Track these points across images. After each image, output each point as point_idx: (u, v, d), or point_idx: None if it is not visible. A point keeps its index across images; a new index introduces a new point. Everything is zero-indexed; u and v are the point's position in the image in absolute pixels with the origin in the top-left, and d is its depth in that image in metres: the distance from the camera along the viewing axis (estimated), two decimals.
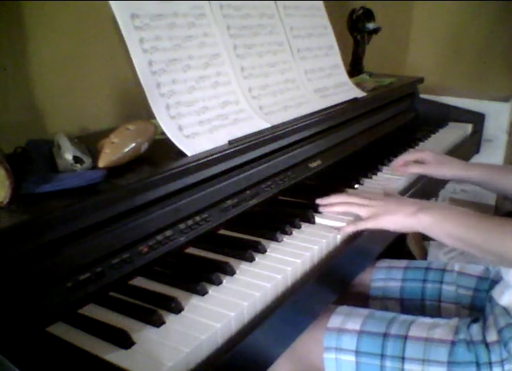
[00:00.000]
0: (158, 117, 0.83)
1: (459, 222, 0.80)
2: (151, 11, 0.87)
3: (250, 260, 0.77)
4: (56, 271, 0.63)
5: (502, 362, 0.75)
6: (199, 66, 0.93)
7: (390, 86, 1.54)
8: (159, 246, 0.75)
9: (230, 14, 1.04)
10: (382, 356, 0.80)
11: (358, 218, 0.89)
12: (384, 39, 1.84)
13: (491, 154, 1.90)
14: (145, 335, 0.60)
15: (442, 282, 1.02)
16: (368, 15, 1.65)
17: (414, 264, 1.08)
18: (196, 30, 0.95)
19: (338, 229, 0.87)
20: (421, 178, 1.19)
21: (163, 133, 0.84)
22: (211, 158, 0.84)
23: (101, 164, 0.75)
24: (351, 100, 1.31)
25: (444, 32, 2.36)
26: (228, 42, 1.02)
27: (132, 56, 0.82)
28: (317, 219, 0.91)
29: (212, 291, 0.69)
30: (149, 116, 0.84)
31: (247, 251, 0.77)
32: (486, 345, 0.78)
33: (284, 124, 1.04)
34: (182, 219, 0.80)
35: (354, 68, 1.70)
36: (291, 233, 0.86)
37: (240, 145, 0.90)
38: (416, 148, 1.40)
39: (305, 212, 0.92)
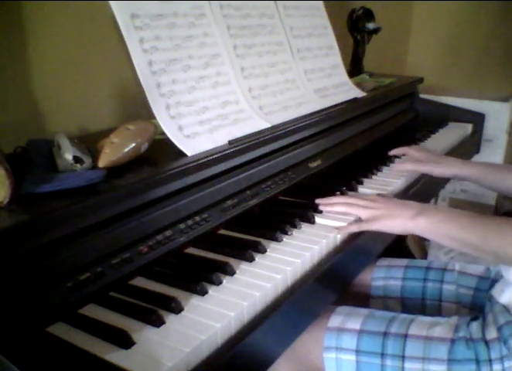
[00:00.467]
0: (158, 117, 0.83)
1: (454, 223, 0.81)
2: (151, 11, 0.87)
3: (250, 260, 0.77)
4: (56, 271, 0.63)
5: (502, 359, 0.75)
6: (199, 66, 0.93)
7: (390, 86, 1.54)
8: (159, 246, 0.75)
9: (230, 14, 1.04)
10: (382, 355, 0.80)
11: (359, 219, 0.90)
12: (384, 39, 1.84)
13: (491, 154, 1.90)
14: (145, 335, 0.60)
15: (442, 281, 1.02)
16: (368, 15, 1.65)
17: (414, 263, 1.08)
18: (196, 30, 0.95)
19: (340, 228, 0.88)
20: (420, 178, 1.19)
21: (163, 133, 0.84)
22: (211, 158, 0.84)
23: (101, 164, 0.75)
24: (351, 100, 1.31)
25: (444, 32, 2.36)
26: (228, 42, 1.02)
27: (132, 56, 0.82)
28: (317, 219, 0.91)
29: (212, 291, 0.69)
30: (149, 116, 0.84)
31: (247, 251, 0.77)
32: (486, 342, 0.78)
33: (284, 124, 1.04)
34: (182, 219, 0.80)
35: (354, 68, 1.70)
36: (291, 233, 0.86)
37: (240, 145, 0.90)
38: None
39: (305, 212, 0.92)
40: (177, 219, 0.79)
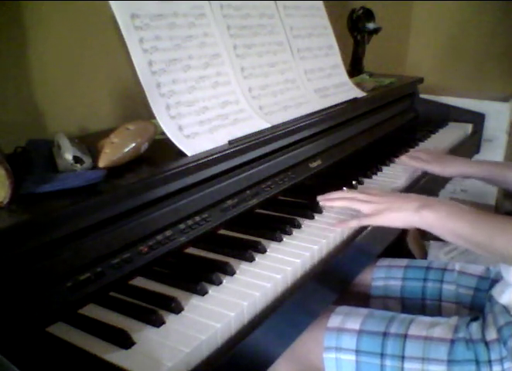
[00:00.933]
0: (158, 117, 0.83)
1: (461, 219, 0.79)
2: (151, 11, 0.87)
3: (250, 260, 0.77)
4: (56, 271, 0.63)
5: (501, 360, 0.75)
6: (199, 66, 0.93)
7: (390, 86, 1.54)
8: (159, 246, 0.75)
9: (230, 14, 1.04)
10: (382, 355, 0.80)
11: (360, 215, 0.89)
12: (384, 39, 1.84)
13: (491, 154, 1.90)
14: (145, 335, 0.60)
15: (442, 281, 1.02)
16: (368, 15, 1.65)
17: (414, 263, 1.08)
18: (196, 30, 0.95)
19: (338, 223, 0.87)
20: (421, 177, 1.19)
21: (163, 133, 0.84)
22: (211, 158, 0.84)
23: (101, 164, 0.75)
24: (351, 100, 1.31)
25: (444, 31, 2.36)
26: (228, 42, 1.02)
27: (132, 56, 0.82)
28: (317, 218, 0.91)
29: (212, 291, 0.69)
30: (149, 116, 0.84)
31: (247, 251, 0.77)
32: (486, 343, 0.78)
33: (284, 124, 1.04)
34: (182, 219, 0.80)
35: (354, 68, 1.70)
36: (291, 233, 0.86)
37: (240, 145, 0.90)
38: (416, 147, 1.40)
39: (306, 212, 0.92)
40: (177, 219, 0.79)
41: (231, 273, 0.73)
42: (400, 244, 1.76)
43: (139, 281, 0.72)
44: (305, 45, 1.25)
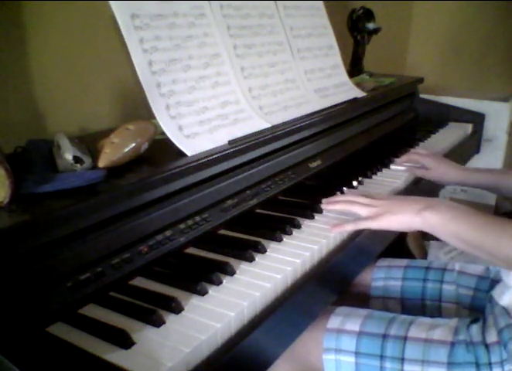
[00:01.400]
0: (158, 117, 0.83)
1: (467, 222, 0.76)
2: (151, 11, 0.87)
3: (250, 260, 0.77)
4: (56, 271, 0.63)
5: (502, 363, 0.75)
6: (199, 66, 0.93)
7: (390, 86, 1.54)
8: (159, 246, 0.75)
9: (230, 14, 1.04)
10: (382, 357, 0.80)
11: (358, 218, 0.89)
12: (384, 39, 1.84)
13: (491, 154, 1.90)
14: (145, 335, 0.60)
15: (442, 282, 1.02)
16: (368, 15, 1.65)
17: (414, 263, 1.08)
18: (196, 30, 0.95)
19: (334, 227, 0.86)
20: (421, 178, 1.19)
21: (163, 133, 0.84)
22: (211, 158, 0.84)
23: (101, 164, 0.75)
24: (351, 100, 1.31)
25: (444, 32, 2.36)
26: (228, 42, 1.02)
27: (132, 56, 0.82)
28: (317, 218, 0.91)
29: (212, 291, 0.69)
30: (149, 116, 0.84)
31: (247, 251, 0.77)
32: (486, 346, 0.77)
33: (284, 124, 1.04)
34: (182, 219, 0.80)
35: (354, 68, 1.70)
36: (291, 233, 0.86)
37: (240, 145, 0.90)
38: (416, 147, 1.40)
39: (306, 212, 0.92)
40: (177, 219, 0.79)
41: (231, 273, 0.73)
42: (400, 244, 1.76)
43: (139, 281, 0.72)
44: (305, 45, 1.25)
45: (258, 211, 0.96)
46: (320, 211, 0.94)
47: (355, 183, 1.08)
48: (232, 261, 0.75)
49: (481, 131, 1.74)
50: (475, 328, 0.81)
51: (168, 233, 0.77)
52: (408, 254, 1.78)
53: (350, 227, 0.86)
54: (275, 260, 0.77)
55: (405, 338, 0.80)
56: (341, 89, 1.33)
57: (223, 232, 0.88)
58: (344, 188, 1.04)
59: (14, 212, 0.64)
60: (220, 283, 0.70)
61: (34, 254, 0.60)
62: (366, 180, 1.12)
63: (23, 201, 0.66)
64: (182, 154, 0.84)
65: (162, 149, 0.85)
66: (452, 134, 1.58)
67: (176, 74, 0.88)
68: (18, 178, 0.66)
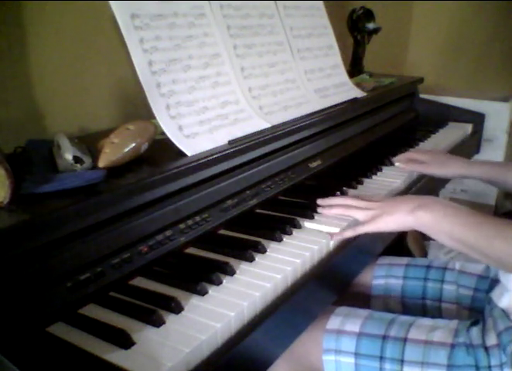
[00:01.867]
0: (158, 117, 0.83)
1: (460, 220, 0.76)
2: (151, 11, 0.87)
3: (250, 260, 0.77)
4: (56, 271, 0.63)
5: (501, 366, 0.74)
6: (199, 66, 0.93)
7: (390, 86, 1.54)
8: (159, 246, 0.75)
9: (230, 14, 1.04)
10: (381, 358, 0.79)
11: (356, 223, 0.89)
12: (384, 39, 1.84)
13: (491, 154, 1.90)
14: (145, 335, 0.60)
15: (443, 281, 1.02)
16: (368, 15, 1.65)
17: (415, 262, 1.08)
18: (196, 30, 0.95)
19: (333, 234, 0.85)
20: (421, 177, 1.19)
21: (163, 133, 0.84)
22: (211, 158, 0.84)
23: (101, 164, 0.75)
24: (351, 100, 1.31)
25: (444, 32, 2.36)
26: (228, 42, 1.02)
27: (132, 56, 0.82)
28: (317, 218, 0.91)
29: (212, 291, 0.69)
30: (149, 116, 0.84)
31: (247, 251, 0.77)
32: (486, 348, 0.77)
33: (284, 124, 1.04)
34: (182, 219, 0.80)
35: (354, 68, 1.70)
36: (291, 233, 0.86)
37: (240, 145, 0.90)
38: (416, 147, 1.40)
39: (306, 212, 0.92)
40: (177, 219, 0.79)
41: (231, 273, 0.73)
42: (400, 243, 1.76)
43: (139, 281, 0.72)
44: (305, 45, 1.25)
45: (258, 211, 0.96)
46: (320, 211, 0.94)
47: (355, 183, 1.08)
48: (232, 261, 0.75)
49: (481, 131, 1.74)
50: (475, 331, 0.80)
51: (168, 232, 0.77)
52: (408, 253, 1.78)
53: (349, 234, 0.85)
54: (275, 260, 0.77)
55: (405, 340, 0.80)
56: (341, 89, 1.33)
57: (223, 232, 0.88)
58: (344, 188, 1.04)
59: (14, 212, 0.64)
60: (220, 283, 0.70)
61: (34, 254, 0.60)
62: (366, 180, 1.12)
63: (23, 201, 0.66)
64: (182, 154, 0.84)
65: (162, 149, 0.85)
66: (452, 134, 1.58)
67: (176, 74, 0.88)
68: (18, 178, 0.66)
